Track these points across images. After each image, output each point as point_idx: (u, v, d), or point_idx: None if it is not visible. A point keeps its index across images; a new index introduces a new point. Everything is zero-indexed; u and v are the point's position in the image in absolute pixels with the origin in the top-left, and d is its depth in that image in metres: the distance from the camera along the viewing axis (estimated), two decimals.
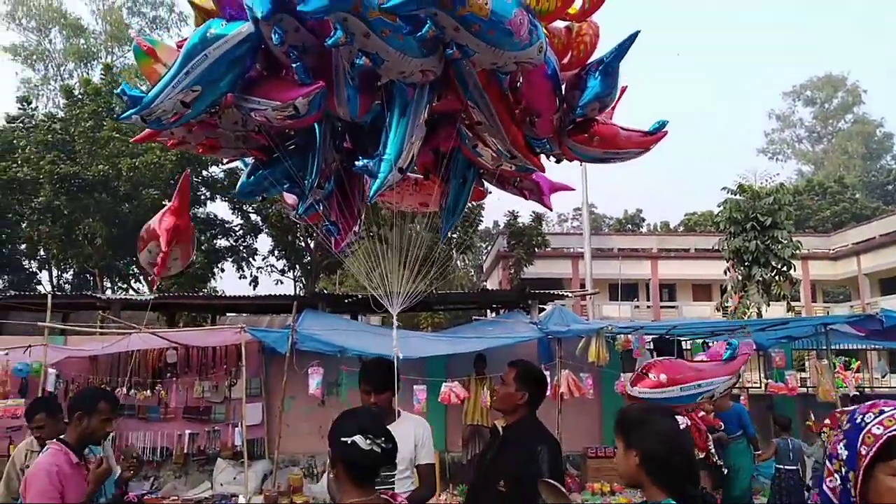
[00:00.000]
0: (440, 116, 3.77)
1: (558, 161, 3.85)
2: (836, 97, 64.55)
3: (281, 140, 4.06)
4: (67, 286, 31.86)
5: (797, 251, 18.38)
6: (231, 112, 3.76)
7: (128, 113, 3.56)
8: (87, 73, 34.92)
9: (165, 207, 5.01)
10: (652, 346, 11.19)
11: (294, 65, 3.19)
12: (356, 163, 3.56)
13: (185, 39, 3.85)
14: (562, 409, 10.39)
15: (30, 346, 9.73)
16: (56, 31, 37.28)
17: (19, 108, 27.67)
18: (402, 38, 2.80)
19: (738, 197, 19.18)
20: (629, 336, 10.65)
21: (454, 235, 26.29)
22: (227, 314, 18.31)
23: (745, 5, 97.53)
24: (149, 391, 10.95)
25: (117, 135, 22.88)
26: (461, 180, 4.30)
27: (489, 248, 43.21)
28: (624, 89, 3.41)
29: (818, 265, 36.50)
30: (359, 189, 4.33)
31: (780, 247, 17.72)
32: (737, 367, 6.50)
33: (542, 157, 3.82)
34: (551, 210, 4.55)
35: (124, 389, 10.67)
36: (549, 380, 11.18)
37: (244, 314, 18.04)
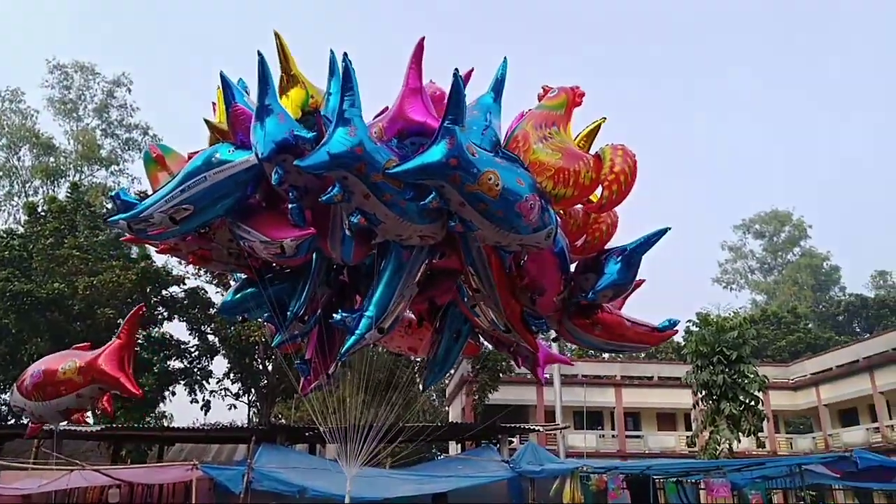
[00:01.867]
0: (440, 271, 3.65)
1: (555, 341, 3.75)
2: (783, 231, 67.94)
3: (271, 266, 3.92)
4: (5, 408, 29.96)
5: (764, 385, 18.47)
6: (225, 229, 3.66)
7: (116, 217, 3.47)
8: (54, 191, 34.83)
9: (90, 353, 4.68)
10: (625, 486, 10.80)
11: (290, 205, 3.11)
12: (334, 315, 3.40)
13: (197, 152, 3.81)
14: None
15: None
16: (26, 150, 37.49)
17: None
18: (404, 204, 2.73)
19: (702, 330, 19.44)
20: (604, 476, 10.27)
21: (418, 360, 25.88)
22: (175, 444, 17.25)
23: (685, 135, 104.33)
24: None
25: (77, 253, 22.50)
26: (455, 334, 4.14)
27: (453, 371, 42.51)
28: (640, 283, 3.32)
29: (779, 395, 36.64)
30: (342, 334, 4.15)
31: (746, 381, 17.82)
32: None
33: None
34: (542, 383, 4.37)
35: None
36: None
37: (190, 444, 17.00)
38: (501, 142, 2.98)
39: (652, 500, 11.14)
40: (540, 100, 3.14)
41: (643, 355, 48.58)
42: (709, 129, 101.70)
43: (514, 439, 15.21)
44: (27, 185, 37.19)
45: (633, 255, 3.17)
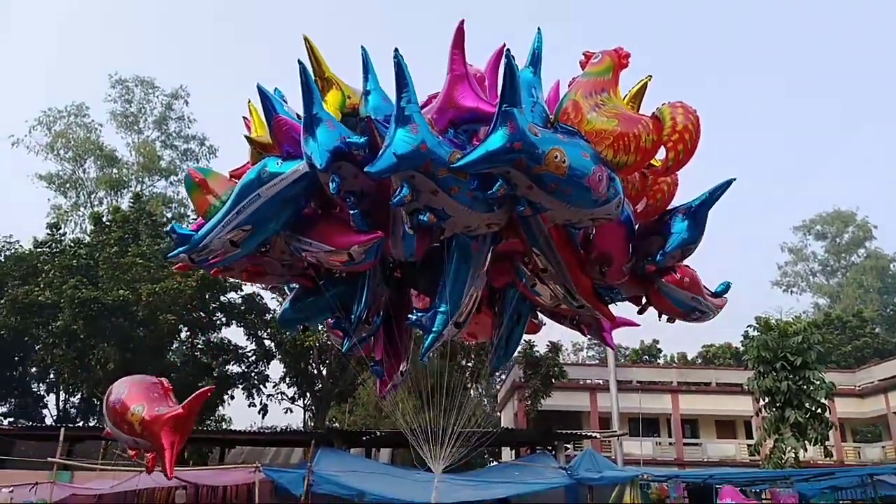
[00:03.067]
0: (497, 254, 3.58)
1: (641, 312, 3.64)
2: (846, 232, 65.23)
3: (328, 271, 3.87)
4: (73, 410, 31.21)
5: (831, 392, 17.79)
6: (280, 242, 3.63)
7: (176, 251, 3.47)
8: (117, 201, 36.20)
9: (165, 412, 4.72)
10: (686, 496, 10.55)
11: (351, 211, 3.07)
12: (409, 317, 3.39)
13: (240, 169, 3.81)
14: None
15: (36, 483, 9.30)
16: (91, 162, 39.09)
17: (47, 234, 28.44)
18: (472, 195, 2.68)
19: (764, 335, 18.84)
20: (665, 484, 10.07)
21: (468, 364, 25.84)
22: (235, 446, 17.67)
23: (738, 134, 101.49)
24: None
25: (140, 261, 23.32)
26: (515, 316, 4.07)
27: (504, 377, 42.31)
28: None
29: (845, 402, 35.21)
30: (407, 329, 4.13)
31: (812, 388, 17.19)
32: None
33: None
34: (614, 350, 4.26)
35: None
36: None
37: (248, 447, 17.39)
38: (550, 116, 2.90)
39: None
40: (583, 67, 3.01)
41: (699, 360, 47.50)
42: (768, 127, 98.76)
43: (569, 445, 15.02)
44: (92, 196, 38.77)
45: (699, 211, 3.05)
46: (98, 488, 10.14)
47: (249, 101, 3.78)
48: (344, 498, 9.92)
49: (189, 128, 41.87)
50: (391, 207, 3.24)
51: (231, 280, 25.29)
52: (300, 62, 3.10)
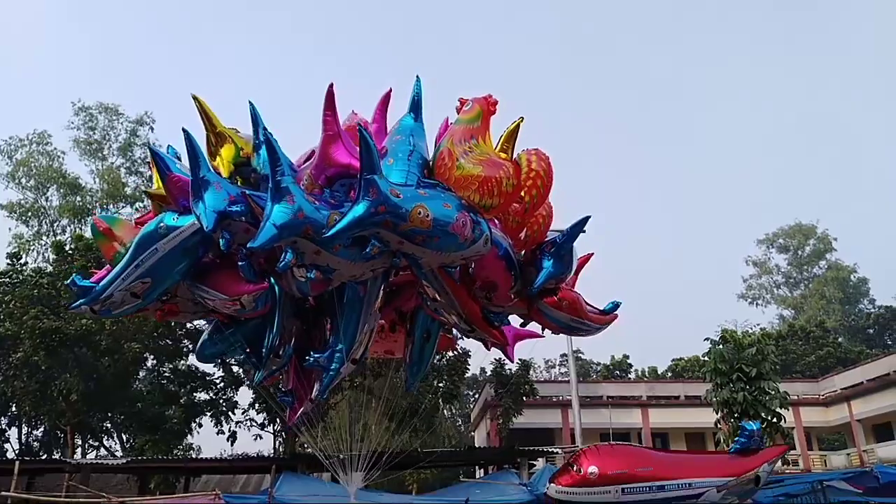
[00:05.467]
0: (400, 283, 3.85)
1: (524, 325, 3.91)
2: (807, 244, 66.96)
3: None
4: (36, 444, 30.50)
5: (786, 402, 18.27)
6: (182, 288, 3.78)
7: (77, 303, 3.57)
8: (80, 229, 35.71)
9: None
10: None
11: (240, 263, 3.23)
12: (307, 358, 3.57)
13: (144, 216, 3.96)
14: None
15: None
16: (54, 189, 38.57)
17: (8, 264, 27.93)
18: (353, 250, 2.90)
19: (721, 347, 19.32)
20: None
21: (440, 385, 25.87)
22: (202, 475, 17.48)
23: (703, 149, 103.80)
24: None
25: None
26: (425, 334, 4.32)
27: (476, 395, 42.36)
28: (589, 256, 3.53)
29: (810, 411, 35.98)
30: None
31: (767, 398, 17.66)
32: (748, 467, 4.26)
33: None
34: (512, 362, 4.53)
35: None
36: None
37: (217, 475, 17.22)
38: (429, 160, 3.18)
39: None
40: (458, 112, 3.34)
41: (669, 374, 48.09)
42: (727, 143, 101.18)
43: (536, 463, 15.20)
44: (55, 224, 38.19)
45: (561, 249, 3.41)
46: None
47: (151, 152, 3.91)
48: None
49: None
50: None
51: None
52: (184, 130, 3.28)
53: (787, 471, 24.11)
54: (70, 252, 26.30)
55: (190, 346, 26.54)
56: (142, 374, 27.57)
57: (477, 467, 17.30)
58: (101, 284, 3.43)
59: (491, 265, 3.28)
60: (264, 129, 3.02)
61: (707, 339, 19.85)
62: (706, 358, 20.86)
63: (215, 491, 10.15)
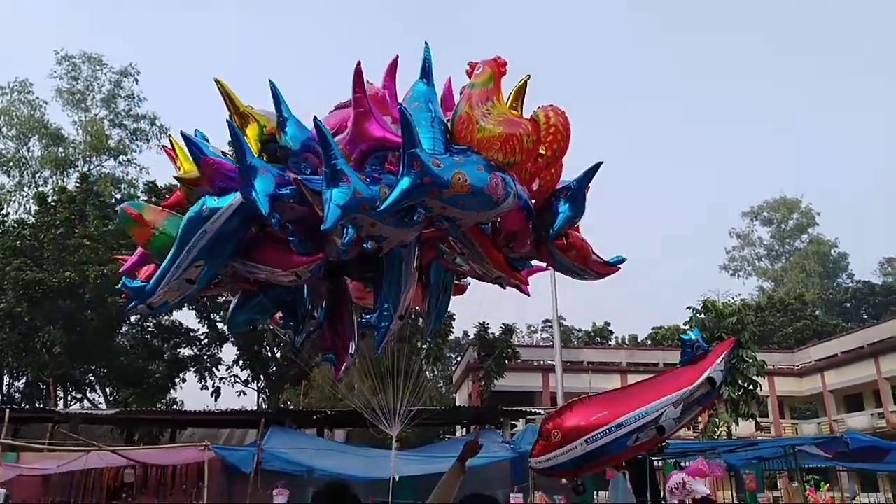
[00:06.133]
0: (424, 240, 3.99)
1: (529, 259, 4.10)
2: (791, 218, 67.75)
3: None
4: (18, 395, 30.52)
5: (762, 370, 18.72)
6: (229, 268, 3.88)
7: (132, 305, 3.63)
8: (63, 181, 35.20)
9: None
10: (624, 466, 11.05)
11: (290, 238, 3.36)
12: (362, 320, 3.78)
13: (170, 199, 4.02)
14: None
15: None
16: (35, 140, 37.88)
17: None
18: (401, 218, 3.10)
19: (702, 316, 19.69)
20: None
21: (424, 346, 26.17)
22: (187, 428, 17.66)
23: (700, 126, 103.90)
24: None
25: (87, 242, 22.86)
26: (442, 286, 4.49)
27: (459, 358, 42.87)
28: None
29: (784, 381, 36.87)
30: (348, 312, 4.42)
31: (745, 366, 18.07)
32: (699, 373, 4.46)
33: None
34: (528, 295, 4.62)
35: None
36: (521, 500, 10.95)
37: (202, 429, 17.39)
38: (447, 124, 3.37)
39: (649, 479, 11.44)
40: (469, 76, 3.50)
41: (649, 342, 48.91)
42: (719, 117, 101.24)
43: (517, 423, 15.52)
44: (37, 176, 37.62)
45: (576, 193, 3.60)
46: (45, 468, 10.11)
47: (171, 138, 4.00)
48: (294, 474, 10.11)
49: (139, 106, 40.85)
50: None
51: None
52: (228, 121, 3.39)
53: (760, 436, 24.80)
54: (53, 204, 25.96)
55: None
56: (125, 328, 27.50)
57: (459, 427, 17.63)
58: (152, 282, 3.51)
59: (514, 217, 3.48)
60: (316, 121, 3.20)
61: (689, 307, 20.21)
62: (687, 326, 21.23)
63: (205, 442, 10.28)
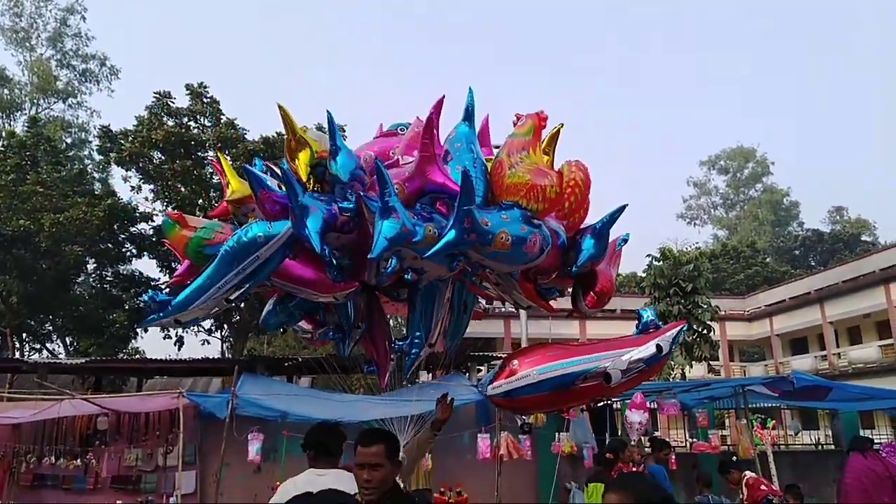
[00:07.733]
0: None
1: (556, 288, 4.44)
2: (746, 167, 69.35)
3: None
4: None
5: (716, 315, 19.57)
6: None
7: (157, 317, 3.73)
8: (10, 125, 33.78)
9: None
10: (584, 407, 11.60)
11: (328, 268, 3.56)
12: (394, 345, 4.05)
13: (216, 210, 4.20)
14: (501, 471, 10.57)
15: None
16: None
17: None
18: (443, 258, 3.34)
19: (661, 263, 20.36)
20: None
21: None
22: (154, 377, 17.68)
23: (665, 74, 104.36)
24: (77, 460, 10.46)
25: (41, 189, 22.14)
26: (462, 306, 4.75)
27: None
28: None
29: (735, 326, 38.41)
30: (383, 324, 4.67)
31: (700, 311, 18.84)
32: (645, 342, 4.73)
33: None
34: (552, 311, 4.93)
35: (52, 458, 10.18)
36: (489, 441, 11.42)
37: (165, 377, 17.43)
38: (487, 167, 3.69)
39: (609, 419, 12.08)
40: (514, 127, 3.86)
41: None
42: (680, 63, 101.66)
43: (482, 368, 16.00)
44: None
45: (602, 231, 3.93)
46: (17, 416, 10.13)
47: (221, 158, 4.20)
48: (268, 419, 10.34)
49: (87, 46, 39.08)
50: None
51: (141, 210, 24.40)
52: (282, 169, 3.63)
53: (711, 377, 26.03)
54: (2, 149, 24.97)
55: (134, 251, 26.04)
56: (82, 278, 26.99)
57: (425, 371, 18.03)
58: (184, 296, 3.63)
59: (550, 256, 3.80)
60: (377, 161, 3.45)
61: (648, 255, 20.84)
62: (644, 274, 21.92)
63: (179, 390, 10.41)
